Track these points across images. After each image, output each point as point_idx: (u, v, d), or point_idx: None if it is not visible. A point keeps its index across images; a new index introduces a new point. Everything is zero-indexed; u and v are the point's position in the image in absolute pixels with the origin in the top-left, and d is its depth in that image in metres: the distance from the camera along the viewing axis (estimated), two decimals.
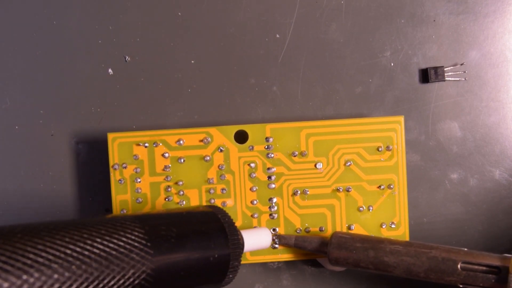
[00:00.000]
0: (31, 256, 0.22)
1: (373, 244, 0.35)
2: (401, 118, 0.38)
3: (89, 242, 0.24)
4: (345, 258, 0.36)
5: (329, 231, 0.38)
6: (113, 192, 0.38)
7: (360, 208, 0.38)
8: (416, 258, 0.34)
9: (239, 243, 0.30)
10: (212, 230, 0.29)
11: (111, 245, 0.25)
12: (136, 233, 0.26)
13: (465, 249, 0.35)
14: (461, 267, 0.34)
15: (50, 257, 0.23)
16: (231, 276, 0.30)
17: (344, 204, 0.38)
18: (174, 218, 0.29)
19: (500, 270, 0.33)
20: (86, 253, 0.24)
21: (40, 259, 0.22)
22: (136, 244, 0.25)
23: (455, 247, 0.35)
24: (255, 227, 0.38)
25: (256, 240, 0.34)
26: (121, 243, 0.25)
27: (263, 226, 0.38)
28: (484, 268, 0.34)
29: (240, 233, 0.32)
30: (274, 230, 0.38)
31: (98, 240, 0.25)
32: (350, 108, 0.40)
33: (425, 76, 0.40)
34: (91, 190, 0.40)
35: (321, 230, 0.38)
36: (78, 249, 0.24)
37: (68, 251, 0.23)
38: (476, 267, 0.34)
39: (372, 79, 0.40)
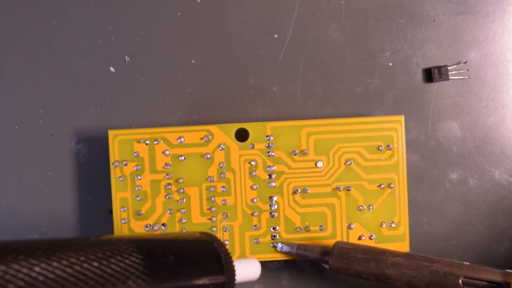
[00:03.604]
0: (27, 278, 0.22)
1: (375, 256, 0.36)
2: (402, 118, 0.38)
3: (86, 266, 0.24)
4: (346, 268, 0.36)
5: (329, 230, 0.38)
6: (113, 190, 0.38)
7: (360, 207, 0.38)
8: (418, 272, 0.35)
9: (234, 274, 0.29)
10: (209, 259, 0.28)
11: (108, 270, 0.24)
12: (134, 259, 0.25)
13: (467, 263, 0.35)
14: (462, 281, 0.34)
15: (47, 280, 0.22)
16: None
17: (344, 203, 0.38)
18: (171, 245, 0.28)
19: (501, 286, 0.33)
20: (83, 277, 0.23)
21: (36, 282, 0.22)
22: (133, 270, 0.25)
23: (457, 261, 0.35)
24: (242, 259, 0.35)
25: (246, 272, 0.33)
26: (119, 269, 0.24)
27: (252, 257, 0.36)
28: (486, 283, 0.34)
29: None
30: (274, 228, 0.38)
31: (95, 264, 0.24)
32: (350, 108, 0.40)
33: (429, 75, 0.40)
34: (91, 190, 0.40)
35: (321, 229, 0.38)
36: (75, 273, 0.23)
37: (65, 275, 0.23)
38: (477, 282, 0.34)
39: (372, 79, 0.40)
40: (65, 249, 0.24)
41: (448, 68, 0.40)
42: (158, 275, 0.25)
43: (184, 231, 0.38)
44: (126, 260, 0.25)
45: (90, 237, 0.27)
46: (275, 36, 0.40)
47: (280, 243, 0.38)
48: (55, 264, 0.23)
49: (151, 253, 0.26)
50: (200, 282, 0.27)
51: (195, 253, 0.28)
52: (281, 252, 0.38)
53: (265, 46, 0.40)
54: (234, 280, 0.29)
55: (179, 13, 0.40)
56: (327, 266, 0.37)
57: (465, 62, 0.40)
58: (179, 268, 0.27)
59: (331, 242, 0.38)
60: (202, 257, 0.28)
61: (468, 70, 0.40)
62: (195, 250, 0.28)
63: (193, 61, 0.40)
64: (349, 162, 0.38)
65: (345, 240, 0.38)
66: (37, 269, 0.22)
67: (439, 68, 0.40)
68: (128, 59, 0.40)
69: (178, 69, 0.40)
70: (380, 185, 0.38)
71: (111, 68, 0.40)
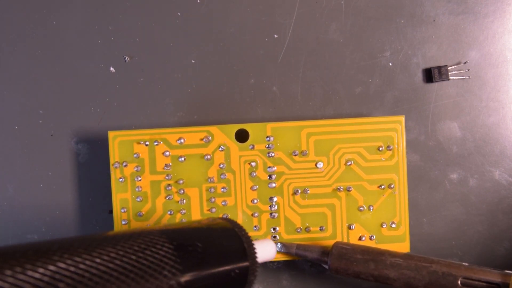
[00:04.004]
0: (75, 276, 0.22)
1: (374, 256, 0.36)
2: (402, 118, 0.38)
3: (125, 260, 0.24)
4: (345, 269, 0.36)
5: (329, 231, 0.38)
6: (113, 190, 0.38)
7: (361, 208, 0.38)
8: (417, 272, 0.35)
9: (256, 258, 0.30)
10: (232, 245, 0.29)
11: (145, 262, 0.25)
12: (166, 249, 0.26)
13: (466, 264, 0.35)
14: (461, 282, 0.34)
15: (93, 277, 0.23)
16: None
17: (345, 204, 0.38)
18: (197, 233, 0.29)
19: (500, 287, 0.33)
20: (124, 271, 0.24)
21: (83, 279, 0.22)
22: (166, 260, 0.26)
23: (456, 261, 0.35)
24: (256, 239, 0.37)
25: (264, 253, 0.34)
26: (154, 260, 0.25)
27: (267, 238, 0.37)
28: (485, 284, 0.34)
29: None
30: (274, 229, 0.38)
31: (133, 257, 0.25)
32: (349, 108, 0.40)
33: (429, 75, 0.40)
34: (91, 189, 0.40)
35: (321, 229, 0.38)
36: (116, 267, 0.24)
37: (108, 270, 0.23)
38: (476, 283, 0.34)
39: (372, 79, 0.40)
40: (104, 245, 0.25)
41: (448, 68, 0.40)
42: (189, 263, 0.26)
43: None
44: (160, 251, 0.26)
45: (118, 231, 0.27)
46: (275, 36, 0.40)
47: (279, 243, 0.38)
48: (97, 260, 0.24)
49: (181, 243, 0.27)
50: (227, 267, 0.28)
51: (220, 240, 0.29)
52: (280, 252, 0.38)
53: (265, 46, 0.40)
54: (257, 263, 0.30)
55: (179, 13, 0.40)
56: (326, 267, 0.37)
57: (465, 62, 0.40)
58: (207, 255, 0.27)
59: (331, 242, 0.38)
60: (226, 243, 0.29)
61: (468, 70, 0.40)
62: (219, 237, 0.29)
63: (193, 61, 0.40)
64: (349, 163, 0.38)
65: (345, 240, 0.38)
66: (82, 266, 0.23)
67: (439, 68, 0.40)
68: (128, 59, 0.40)
69: (178, 69, 0.40)
70: (380, 186, 0.38)
71: (111, 68, 0.40)
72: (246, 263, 0.29)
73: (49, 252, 0.23)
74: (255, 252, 0.30)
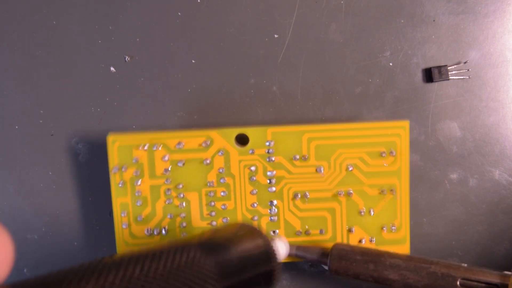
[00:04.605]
0: None
1: (373, 257, 0.36)
2: (407, 124, 0.37)
3: (172, 275, 0.25)
4: (345, 270, 0.36)
5: (329, 234, 0.38)
6: (113, 195, 0.38)
7: (361, 211, 0.38)
8: (416, 273, 0.35)
9: (278, 262, 0.31)
10: (258, 252, 0.30)
11: (189, 276, 0.26)
12: (207, 264, 0.27)
13: (465, 265, 0.35)
14: (460, 283, 0.34)
15: None
16: None
17: (345, 207, 0.38)
18: (229, 243, 0.30)
19: None
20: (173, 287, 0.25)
21: None
22: (207, 273, 0.26)
23: (455, 262, 0.35)
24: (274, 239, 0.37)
25: (282, 253, 0.36)
26: (197, 274, 0.26)
27: (281, 236, 0.38)
28: (484, 285, 0.34)
29: None
30: (274, 232, 0.38)
31: (180, 273, 0.25)
32: (349, 108, 0.40)
33: (429, 75, 0.40)
34: (91, 189, 0.41)
35: (321, 232, 0.38)
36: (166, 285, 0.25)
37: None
38: (475, 284, 0.34)
39: (372, 79, 0.40)
40: (156, 262, 0.25)
41: (448, 68, 0.40)
42: (226, 273, 0.27)
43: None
44: (202, 267, 0.27)
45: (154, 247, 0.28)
46: (275, 36, 0.40)
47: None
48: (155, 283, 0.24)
49: (221, 259, 0.28)
50: (255, 272, 0.29)
51: (248, 248, 0.30)
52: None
53: (265, 46, 0.40)
54: (280, 267, 0.31)
55: (179, 13, 0.40)
56: (326, 267, 0.37)
57: (465, 62, 0.40)
58: (239, 264, 0.29)
59: (331, 244, 0.38)
60: (254, 251, 0.30)
61: (468, 70, 0.40)
62: (247, 245, 0.30)
63: (193, 61, 0.40)
64: (350, 168, 0.38)
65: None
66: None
67: (439, 68, 0.40)
68: (128, 59, 0.40)
69: (178, 69, 0.40)
70: (382, 191, 0.38)
71: (112, 68, 0.40)
72: (271, 268, 0.30)
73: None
74: (277, 257, 0.31)
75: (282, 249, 0.36)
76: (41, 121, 0.40)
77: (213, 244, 0.29)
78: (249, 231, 0.31)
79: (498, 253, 0.41)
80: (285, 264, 0.40)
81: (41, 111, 0.40)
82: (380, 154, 0.38)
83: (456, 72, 0.40)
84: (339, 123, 0.38)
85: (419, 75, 0.40)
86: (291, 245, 0.38)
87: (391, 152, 0.37)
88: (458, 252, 0.41)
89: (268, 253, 0.30)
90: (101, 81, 0.40)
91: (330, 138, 0.37)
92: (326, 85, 0.40)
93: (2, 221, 0.40)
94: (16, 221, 0.41)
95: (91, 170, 0.41)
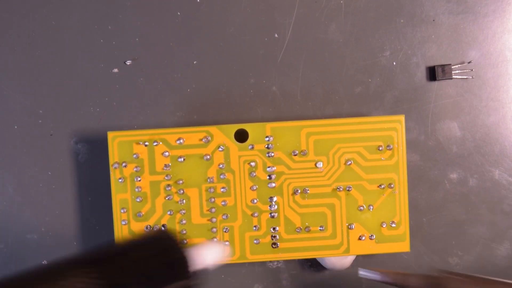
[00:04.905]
0: None
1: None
2: (402, 118, 0.38)
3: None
4: None
5: (329, 230, 0.38)
6: (113, 191, 0.38)
7: (360, 207, 0.38)
8: None
9: (192, 277, 0.29)
10: (168, 267, 0.28)
11: None
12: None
13: None
14: None
15: None
16: None
17: (345, 203, 0.38)
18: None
19: None
20: None
21: None
22: None
23: None
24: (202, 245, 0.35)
25: (208, 258, 0.33)
26: None
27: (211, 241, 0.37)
28: None
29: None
30: (274, 229, 0.38)
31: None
32: (349, 108, 0.40)
33: (432, 73, 0.40)
34: (91, 189, 0.40)
35: (321, 229, 0.38)
36: None
37: None
38: None
39: (372, 79, 0.40)
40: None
41: (452, 67, 0.40)
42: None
43: (184, 232, 0.38)
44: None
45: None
46: (275, 36, 0.40)
47: (362, 270, 0.35)
48: None
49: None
50: None
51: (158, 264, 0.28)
52: (376, 280, 0.35)
53: (265, 46, 0.40)
54: (197, 281, 0.29)
55: (179, 13, 0.40)
56: (326, 266, 0.37)
57: (469, 62, 0.40)
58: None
59: (331, 242, 0.38)
60: (164, 265, 0.28)
61: (472, 70, 0.40)
62: (157, 260, 0.28)
63: (193, 61, 0.40)
64: (349, 162, 0.38)
65: (345, 240, 0.38)
66: None
67: (442, 66, 0.40)
68: (128, 61, 0.40)
69: (178, 69, 0.40)
70: (380, 185, 0.38)
71: (115, 70, 0.40)
72: (187, 283, 0.28)
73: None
74: (191, 272, 0.28)
75: (208, 254, 0.33)
76: (40, 121, 0.40)
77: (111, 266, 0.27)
78: (157, 243, 0.29)
79: (498, 253, 0.40)
80: (284, 264, 0.40)
81: (41, 111, 0.40)
82: (378, 148, 0.38)
83: (459, 71, 0.40)
84: (337, 118, 0.38)
85: (419, 75, 0.40)
86: (388, 272, 0.34)
87: (388, 146, 0.37)
88: (458, 252, 0.41)
89: (180, 268, 0.28)
90: (100, 81, 0.40)
91: (328, 133, 0.37)
92: (326, 85, 0.40)
93: (2, 221, 0.40)
94: (16, 221, 0.41)
95: (91, 170, 0.40)
